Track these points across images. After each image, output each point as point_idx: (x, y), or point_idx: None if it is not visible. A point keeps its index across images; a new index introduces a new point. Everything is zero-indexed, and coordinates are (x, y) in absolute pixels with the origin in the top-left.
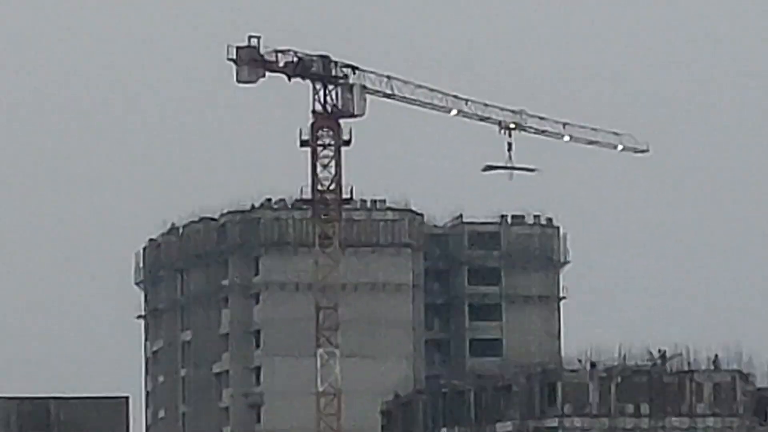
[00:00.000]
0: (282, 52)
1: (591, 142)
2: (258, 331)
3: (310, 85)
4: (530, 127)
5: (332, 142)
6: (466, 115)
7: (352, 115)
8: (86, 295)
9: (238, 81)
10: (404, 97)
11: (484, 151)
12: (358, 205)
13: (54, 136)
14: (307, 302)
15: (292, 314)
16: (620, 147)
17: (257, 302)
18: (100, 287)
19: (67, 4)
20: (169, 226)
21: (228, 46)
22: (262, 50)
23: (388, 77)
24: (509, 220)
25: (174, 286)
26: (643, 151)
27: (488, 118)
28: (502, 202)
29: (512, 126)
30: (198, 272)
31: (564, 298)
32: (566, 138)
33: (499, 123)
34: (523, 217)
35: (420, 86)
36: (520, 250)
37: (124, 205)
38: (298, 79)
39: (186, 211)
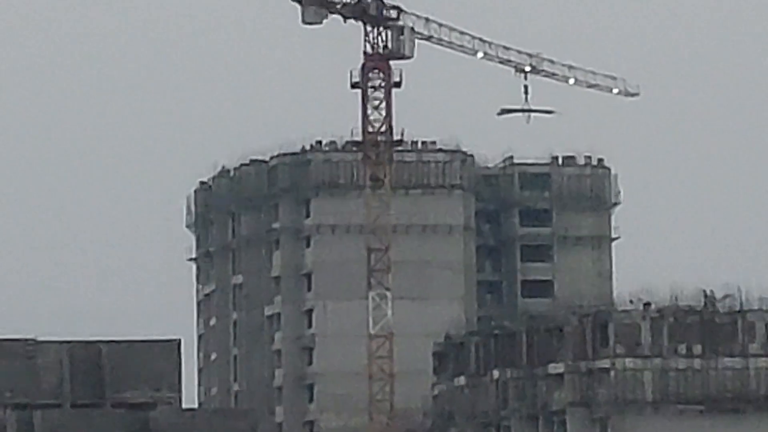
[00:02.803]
0: None
1: (591, 85)
2: (309, 274)
3: (362, 27)
4: (543, 71)
5: (383, 84)
6: (489, 57)
7: (402, 57)
8: (137, 238)
9: (304, 22)
10: (441, 40)
11: (503, 93)
12: (409, 147)
13: (102, 77)
14: (358, 245)
15: (344, 257)
16: (615, 90)
17: (308, 245)
18: (151, 230)
19: None
20: (219, 168)
21: None
22: None
23: (427, 19)
24: (560, 161)
25: (225, 229)
26: (634, 95)
27: (509, 61)
28: (553, 143)
29: (528, 69)
30: (249, 215)
31: (616, 238)
32: (571, 81)
33: (515, 66)
34: (573, 157)
35: (453, 29)
36: (571, 191)
37: (174, 148)
38: (352, 21)
39: (236, 154)
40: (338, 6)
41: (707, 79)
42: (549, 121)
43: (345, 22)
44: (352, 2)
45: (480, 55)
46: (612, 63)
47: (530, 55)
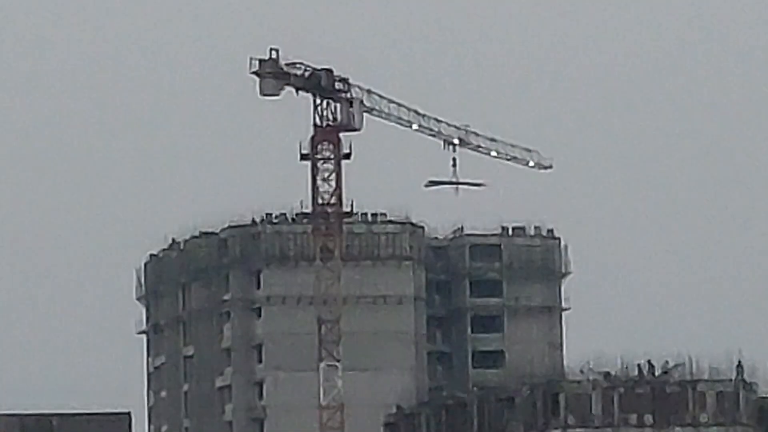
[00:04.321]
0: (293, 64)
1: (510, 158)
2: (260, 346)
3: (311, 99)
4: (470, 143)
5: (332, 156)
6: (423, 129)
7: (352, 129)
8: (87, 311)
9: (262, 94)
10: (381, 111)
11: (435, 165)
12: (359, 218)
13: (54, 147)
14: (309, 316)
15: (294, 328)
16: (531, 163)
17: (259, 316)
18: (101, 303)
19: (74, 12)
20: (170, 241)
21: (251, 59)
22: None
23: (369, 91)
24: (510, 231)
25: (175, 301)
26: (548, 167)
27: (440, 133)
28: (503, 214)
29: (456, 142)
30: (199, 287)
31: (566, 309)
32: (494, 153)
33: (444, 139)
34: (523, 228)
35: (391, 101)
36: (521, 262)
37: (124, 220)
38: (303, 93)
39: (187, 226)
40: (293, 77)
41: (618, 148)
42: (497, 192)
43: (297, 94)
44: (306, 74)
45: (415, 126)
46: (526, 134)
47: (458, 128)
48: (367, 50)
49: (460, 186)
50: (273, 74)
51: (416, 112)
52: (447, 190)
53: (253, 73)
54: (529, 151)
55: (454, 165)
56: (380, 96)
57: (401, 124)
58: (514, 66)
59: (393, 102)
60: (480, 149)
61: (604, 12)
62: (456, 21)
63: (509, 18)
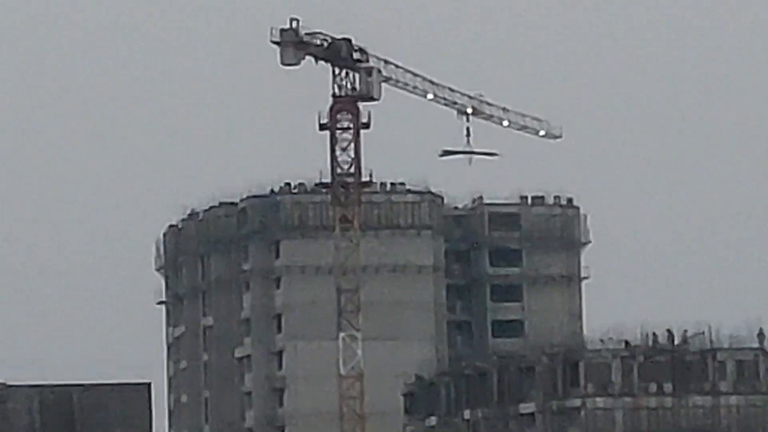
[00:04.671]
0: (313, 34)
1: (522, 128)
2: (279, 316)
3: (330, 69)
4: (482, 113)
5: (351, 126)
6: (438, 99)
7: (370, 99)
8: (107, 282)
9: (283, 63)
10: (398, 81)
11: (448, 135)
12: (378, 188)
13: (74, 117)
14: (328, 286)
15: (314, 298)
16: (542, 132)
17: (278, 287)
18: (120, 273)
19: None
20: (188, 211)
21: (272, 28)
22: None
23: (386, 61)
24: (529, 200)
25: (195, 271)
26: (557, 137)
27: (454, 103)
28: (520, 184)
29: (469, 111)
30: (218, 257)
31: (585, 278)
32: (505, 123)
33: (458, 109)
34: (543, 197)
35: (407, 70)
36: (540, 231)
37: (143, 191)
38: (323, 63)
39: (205, 196)
40: (312, 47)
41: (637, 117)
42: (517, 160)
43: (317, 63)
44: (326, 44)
45: (430, 96)
46: (535, 104)
47: (471, 97)
48: (383, 20)
49: (473, 156)
50: (293, 44)
51: (431, 81)
52: (461, 160)
53: (274, 42)
54: (539, 120)
55: (468, 134)
56: (396, 66)
57: (416, 94)
58: (523, 34)
59: (409, 71)
60: (492, 119)
61: None
62: None
63: None
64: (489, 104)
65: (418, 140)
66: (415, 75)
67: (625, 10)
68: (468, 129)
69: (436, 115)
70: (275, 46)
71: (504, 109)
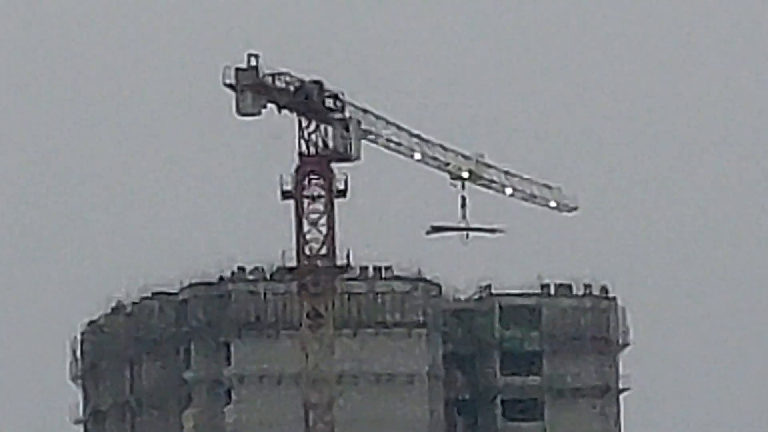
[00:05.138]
0: (276, 75)
1: (530, 197)
2: None
3: (296, 120)
4: (482, 177)
5: (323, 194)
6: (426, 160)
7: (348, 159)
8: (10, 394)
9: (239, 113)
10: (378, 136)
11: (437, 205)
12: (357, 274)
13: None
14: (293, 400)
15: (275, 416)
16: (553, 203)
17: (229, 401)
18: (27, 383)
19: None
20: (113, 303)
21: (225, 68)
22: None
23: (365, 110)
24: (552, 290)
25: (121, 381)
26: (572, 209)
27: (447, 164)
28: (542, 268)
29: (466, 175)
30: (151, 363)
31: (625, 389)
32: (509, 191)
33: (450, 172)
34: (569, 286)
35: (390, 122)
36: (566, 329)
37: (55, 277)
38: (286, 112)
39: (135, 285)
40: (275, 92)
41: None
42: (529, 241)
43: (280, 112)
44: (292, 88)
45: (417, 156)
46: (545, 168)
47: (467, 158)
48: (359, 61)
49: (470, 233)
50: (253, 87)
51: (419, 137)
52: (454, 238)
53: (228, 85)
54: (550, 188)
55: (464, 205)
56: (376, 116)
57: (401, 153)
58: (530, 85)
59: (392, 124)
60: (493, 185)
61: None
62: (465, 29)
63: (527, 29)
64: (489, 167)
65: (407, 212)
66: (400, 129)
67: (646, 60)
68: (464, 198)
69: (425, 179)
70: (229, 91)
71: (507, 173)
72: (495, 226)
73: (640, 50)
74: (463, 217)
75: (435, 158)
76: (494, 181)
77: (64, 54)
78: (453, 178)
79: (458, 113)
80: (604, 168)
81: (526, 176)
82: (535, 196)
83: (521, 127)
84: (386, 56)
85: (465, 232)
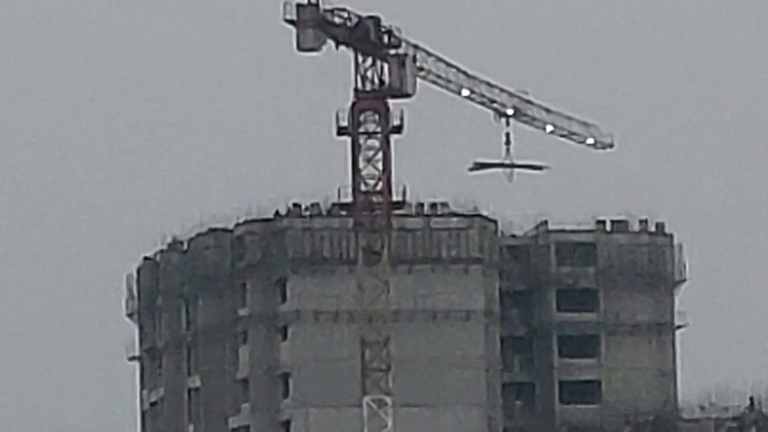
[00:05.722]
0: (333, 11)
1: (568, 134)
2: (286, 375)
3: (352, 56)
4: (525, 115)
5: (379, 130)
6: (474, 96)
7: (404, 95)
8: (66, 330)
9: (300, 48)
10: (429, 72)
11: (482, 141)
12: (413, 210)
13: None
14: (349, 336)
15: (331, 352)
16: (590, 140)
17: (285, 337)
18: (82, 320)
19: None
20: (169, 240)
21: (285, 3)
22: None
23: (416, 46)
24: (608, 226)
25: (177, 318)
26: (609, 146)
27: (492, 101)
28: (598, 204)
29: (510, 113)
30: (208, 300)
31: (681, 326)
32: (549, 128)
33: (495, 110)
34: (626, 222)
35: (440, 59)
36: (622, 266)
37: (109, 213)
38: (343, 48)
39: (191, 221)
40: (334, 28)
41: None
42: (589, 177)
43: (337, 48)
44: (351, 24)
45: (465, 92)
46: (581, 106)
47: (512, 95)
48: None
49: (514, 170)
50: (314, 23)
51: (466, 74)
52: (497, 175)
53: (289, 21)
54: (587, 125)
55: (508, 142)
56: (428, 53)
57: (450, 90)
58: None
59: (442, 61)
60: (535, 122)
61: None
62: None
63: None
64: (532, 104)
65: (461, 148)
66: (449, 65)
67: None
68: (508, 135)
69: (472, 116)
70: (290, 26)
71: (547, 110)
72: (539, 163)
73: None
74: (507, 153)
75: (482, 95)
76: (536, 118)
77: None
78: (497, 115)
79: (500, 50)
80: (640, 105)
81: (566, 113)
82: (574, 134)
83: (560, 64)
84: None
85: (509, 170)
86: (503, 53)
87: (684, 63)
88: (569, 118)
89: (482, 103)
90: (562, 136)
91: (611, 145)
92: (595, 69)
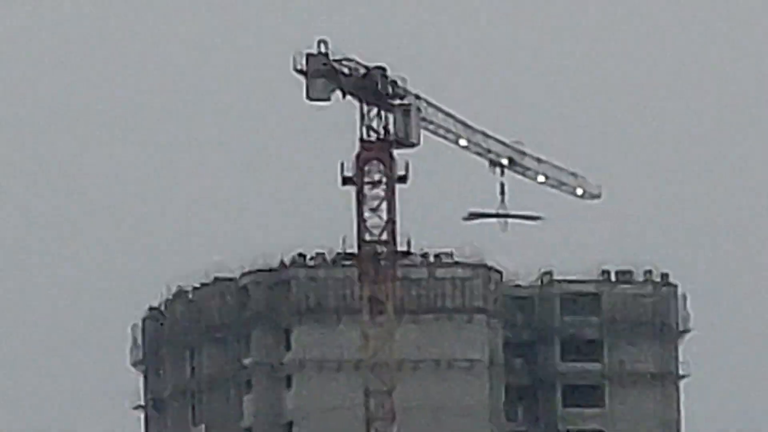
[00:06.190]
0: (344, 61)
1: (558, 184)
2: (291, 424)
3: (357, 107)
4: (520, 165)
5: (384, 179)
6: (471, 146)
7: (410, 144)
8: (71, 381)
9: (310, 98)
10: (429, 122)
11: (477, 191)
12: (418, 261)
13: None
14: (353, 386)
15: (335, 402)
16: (579, 191)
17: (289, 387)
18: (87, 369)
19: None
20: (174, 290)
21: (295, 54)
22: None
23: (417, 96)
24: (612, 276)
25: (182, 367)
26: (596, 197)
27: (488, 151)
28: (603, 254)
29: (506, 162)
30: (213, 349)
31: (685, 376)
32: (541, 178)
33: (490, 160)
34: (630, 272)
35: (439, 109)
36: (627, 316)
37: (116, 263)
38: (349, 98)
39: (196, 271)
40: (342, 78)
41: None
42: (595, 228)
43: (344, 98)
44: (359, 74)
45: (463, 142)
46: (570, 157)
47: (507, 145)
48: (415, 50)
49: (509, 220)
50: (323, 72)
51: (464, 124)
52: (492, 225)
53: (299, 71)
54: (575, 176)
55: (503, 192)
56: (428, 103)
57: (449, 139)
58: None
59: (441, 111)
60: (527, 173)
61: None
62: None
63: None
64: (525, 154)
65: (463, 198)
66: (447, 115)
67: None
68: (502, 185)
69: (468, 166)
70: (299, 77)
71: (539, 160)
72: (534, 213)
73: (668, 43)
74: (502, 202)
75: (478, 144)
76: (529, 169)
77: (141, 36)
78: (492, 164)
79: (494, 100)
80: (629, 156)
81: (557, 164)
82: (563, 184)
83: (551, 115)
84: (429, 45)
85: (504, 220)
86: (499, 104)
87: (674, 117)
88: (560, 169)
89: (479, 153)
90: (553, 186)
91: (599, 196)
92: (585, 121)
